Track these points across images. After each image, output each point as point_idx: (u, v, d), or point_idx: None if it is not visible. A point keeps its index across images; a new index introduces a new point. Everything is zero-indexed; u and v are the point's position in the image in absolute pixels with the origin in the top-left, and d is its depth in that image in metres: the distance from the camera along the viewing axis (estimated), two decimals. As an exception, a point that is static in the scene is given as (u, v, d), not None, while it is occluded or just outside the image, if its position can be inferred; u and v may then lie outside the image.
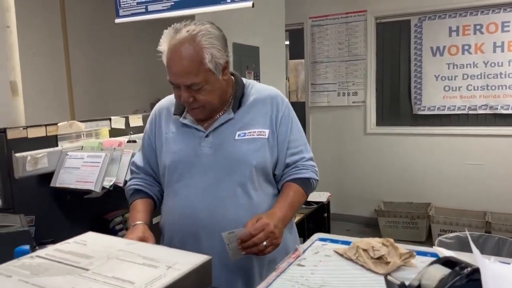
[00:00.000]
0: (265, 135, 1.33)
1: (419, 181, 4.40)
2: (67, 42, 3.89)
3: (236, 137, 1.31)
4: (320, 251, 0.92)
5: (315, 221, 3.53)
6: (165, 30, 1.26)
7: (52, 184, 1.75)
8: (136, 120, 2.18)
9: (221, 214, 1.28)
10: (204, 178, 1.30)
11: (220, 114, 1.35)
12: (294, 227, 1.48)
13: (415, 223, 4.13)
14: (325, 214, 3.58)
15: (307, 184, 1.36)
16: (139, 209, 1.36)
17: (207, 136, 1.32)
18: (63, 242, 1.00)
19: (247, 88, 1.39)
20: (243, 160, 1.30)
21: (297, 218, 3.14)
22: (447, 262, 0.67)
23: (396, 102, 4.51)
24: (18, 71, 1.73)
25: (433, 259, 0.68)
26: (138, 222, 1.29)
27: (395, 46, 4.42)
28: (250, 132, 1.32)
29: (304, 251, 0.92)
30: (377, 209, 4.35)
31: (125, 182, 1.74)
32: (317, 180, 1.40)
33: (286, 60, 3.99)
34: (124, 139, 1.97)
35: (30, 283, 0.78)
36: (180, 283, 0.80)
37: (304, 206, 3.43)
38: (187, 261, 0.87)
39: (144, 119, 2.22)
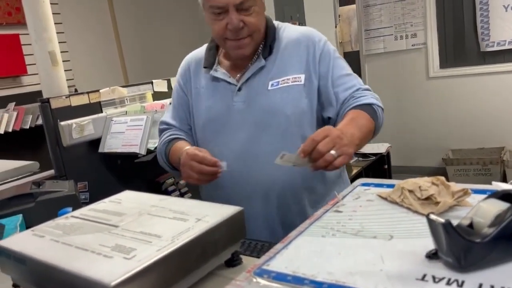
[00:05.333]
0: (301, 81, 1.21)
1: (490, 124, 4.05)
2: (113, 13, 3.93)
3: (269, 87, 1.21)
4: (361, 196, 0.83)
5: (374, 174, 3.36)
6: None
7: (100, 150, 1.78)
8: (178, 82, 2.15)
9: (262, 172, 1.18)
10: (240, 135, 1.21)
11: (251, 63, 1.24)
12: (346, 177, 1.37)
13: (487, 169, 3.84)
14: (385, 166, 3.41)
15: (370, 110, 1.17)
16: (184, 144, 1.25)
17: (239, 89, 1.23)
18: (99, 202, 0.99)
19: (278, 31, 1.27)
20: (278, 112, 1.19)
21: (354, 171, 3.01)
22: (505, 196, 0.56)
23: (461, 40, 4.11)
24: (56, 41, 1.75)
25: (492, 195, 0.57)
26: (187, 147, 1.17)
27: (456, -24, 4.00)
28: (283, 80, 1.21)
29: (343, 197, 0.83)
30: (445, 157, 4.09)
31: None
32: (382, 108, 1.22)
33: (335, 7, 3.74)
34: (167, 101, 1.95)
35: (60, 242, 0.77)
36: (209, 235, 0.76)
37: (361, 158, 3.29)
38: (217, 213, 0.82)
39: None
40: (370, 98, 1.20)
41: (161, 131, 1.38)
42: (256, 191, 1.21)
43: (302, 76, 1.21)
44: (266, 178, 1.19)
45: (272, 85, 1.21)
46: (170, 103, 1.44)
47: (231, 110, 1.23)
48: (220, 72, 1.26)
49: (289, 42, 1.24)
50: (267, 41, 1.24)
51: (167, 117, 1.38)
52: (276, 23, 1.29)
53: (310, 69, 1.22)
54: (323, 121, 1.25)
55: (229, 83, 1.24)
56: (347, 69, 1.27)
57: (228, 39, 1.18)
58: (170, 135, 1.32)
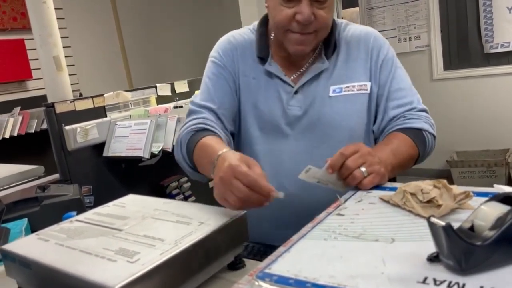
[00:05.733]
0: (367, 90, 1.07)
1: (495, 126, 4.03)
2: (117, 17, 3.96)
3: (331, 94, 1.06)
4: (363, 199, 0.83)
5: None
6: None
7: (104, 154, 1.79)
8: (181, 86, 2.16)
9: (309, 193, 1.01)
10: (293, 145, 1.07)
11: (309, 63, 1.10)
12: None
13: (492, 171, 3.82)
14: (390, 168, 3.40)
15: (417, 136, 1.04)
16: (215, 142, 0.96)
17: (296, 92, 1.08)
18: (103, 206, 1.00)
19: (339, 29, 1.12)
20: (341, 124, 1.05)
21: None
22: (506, 198, 0.56)
23: (465, 42, 4.10)
24: (60, 46, 1.77)
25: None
26: (224, 150, 0.86)
27: (459, -22, 4.00)
28: (347, 87, 1.07)
29: (345, 201, 0.83)
30: (449, 160, 4.08)
31: (173, 147, 1.74)
32: (434, 136, 1.07)
33: (338, 9, 3.75)
34: (170, 105, 1.96)
35: (65, 245, 0.78)
36: (212, 238, 0.76)
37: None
38: (219, 216, 0.82)
39: (190, 84, 2.20)
40: (421, 122, 1.06)
41: (190, 113, 1.13)
42: (298, 214, 0.94)
43: (368, 84, 1.08)
44: (315, 200, 0.93)
45: (334, 91, 1.07)
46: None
47: (286, 114, 1.08)
48: (274, 66, 1.10)
49: (354, 43, 1.11)
50: (331, 40, 1.09)
51: (202, 98, 1.12)
52: (336, 20, 1.14)
53: (372, 75, 1.09)
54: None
55: (284, 81, 1.09)
56: (407, 81, 1.12)
57: (290, 31, 1.02)
58: (200, 123, 1.06)
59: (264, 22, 1.15)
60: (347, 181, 0.87)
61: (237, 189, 0.76)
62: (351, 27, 1.14)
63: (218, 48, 1.16)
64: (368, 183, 0.86)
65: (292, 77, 1.10)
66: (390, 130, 1.07)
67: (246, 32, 1.17)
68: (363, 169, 0.86)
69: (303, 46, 1.04)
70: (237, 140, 1.15)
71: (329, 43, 1.09)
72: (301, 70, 1.11)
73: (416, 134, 1.04)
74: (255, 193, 0.75)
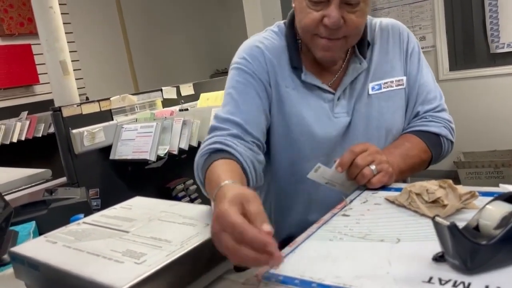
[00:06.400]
0: (403, 85, 1.04)
1: (503, 126, 4.01)
2: (123, 21, 3.99)
3: (371, 92, 1.02)
4: (369, 200, 0.83)
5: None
6: None
7: (111, 157, 1.81)
8: (187, 89, 2.17)
9: None
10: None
11: (342, 65, 1.04)
12: None
13: (500, 172, 3.79)
14: (397, 169, 3.39)
15: (433, 141, 1.02)
16: (222, 170, 0.83)
17: (338, 98, 1.02)
18: (110, 208, 1.01)
19: (369, 24, 1.06)
20: (386, 123, 1.01)
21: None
22: (511, 198, 0.56)
23: (470, 42, 4.09)
24: (67, 51, 1.79)
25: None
26: (225, 182, 0.73)
27: (464, -22, 3.98)
28: (386, 83, 1.02)
29: (351, 201, 0.84)
30: (456, 160, 4.05)
31: (179, 149, 1.75)
32: (451, 141, 1.06)
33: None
34: (176, 108, 1.98)
35: (72, 247, 0.79)
36: (217, 240, 0.76)
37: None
38: (225, 218, 0.82)
39: (195, 87, 2.20)
40: (440, 127, 1.04)
41: (211, 130, 0.99)
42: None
43: (404, 79, 1.04)
44: None
45: (373, 88, 1.02)
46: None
47: (333, 123, 1.01)
48: (309, 75, 1.02)
49: (384, 37, 1.06)
50: (364, 37, 1.03)
51: (226, 111, 0.99)
52: None
53: (403, 68, 1.05)
54: None
55: (323, 89, 1.02)
56: (431, 75, 1.09)
57: (318, 36, 0.96)
58: (215, 141, 0.92)
59: (291, 23, 1.05)
60: (356, 179, 0.86)
61: (225, 244, 0.60)
62: (376, 20, 1.09)
63: (244, 53, 1.04)
64: (377, 182, 0.85)
65: (329, 83, 1.03)
66: (409, 130, 1.05)
67: (273, 36, 1.07)
68: (372, 167, 0.85)
69: (330, 53, 0.97)
70: (274, 151, 1.04)
71: (362, 41, 1.02)
72: (337, 74, 1.04)
73: (433, 138, 1.02)
74: (246, 248, 0.55)
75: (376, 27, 1.07)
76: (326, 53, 0.97)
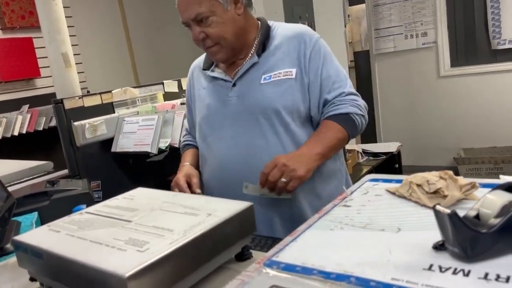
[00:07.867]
0: (291, 75, 1.24)
1: (503, 123, 4.01)
2: (124, 15, 3.98)
3: (262, 81, 1.25)
4: (370, 191, 0.83)
5: (385, 174, 3.34)
6: None
7: (112, 150, 1.81)
8: (189, 82, 2.17)
9: (254, 164, 1.21)
10: (234, 128, 1.27)
11: (246, 60, 1.30)
12: (338, 177, 1.34)
13: (500, 168, 3.80)
14: (396, 166, 3.40)
15: (346, 120, 1.23)
16: (187, 155, 1.42)
17: (234, 85, 1.29)
18: (112, 198, 1.01)
19: (272, 30, 1.32)
20: (269, 104, 1.23)
21: (364, 170, 3.00)
22: (511, 187, 0.56)
23: (472, 38, 4.08)
24: (69, 43, 1.79)
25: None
26: (185, 163, 1.36)
27: (466, -26, 3.97)
28: (275, 74, 1.25)
29: (352, 193, 0.84)
30: (456, 157, 4.06)
31: (180, 142, 1.76)
32: (362, 115, 1.26)
33: (344, 6, 3.74)
34: (178, 101, 1.98)
35: (75, 236, 0.80)
36: (219, 229, 0.77)
37: (371, 157, 3.28)
38: (227, 208, 0.83)
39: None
40: (348, 106, 1.23)
41: (185, 134, 1.55)
42: (249, 182, 1.23)
43: (294, 70, 1.24)
44: (259, 170, 1.17)
45: (264, 79, 1.25)
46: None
47: (226, 104, 1.28)
48: (216, 71, 1.33)
49: (283, 40, 1.28)
50: (261, 40, 1.29)
51: (186, 122, 1.54)
52: (270, 22, 1.34)
53: (301, 65, 1.25)
54: (311, 118, 1.29)
55: (225, 80, 1.31)
56: (337, 69, 1.29)
57: (203, 47, 1.27)
58: (184, 140, 1.51)
59: None
60: (276, 191, 1.11)
61: (173, 189, 1.29)
62: (283, 26, 1.33)
63: (187, 77, 1.47)
64: (291, 188, 1.11)
65: (232, 75, 1.30)
66: (323, 117, 1.25)
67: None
68: (283, 179, 1.09)
69: (215, 56, 1.27)
70: (198, 138, 1.40)
71: (259, 42, 1.28)
72: (238, 68, 1.30)
73: (344, 118, 1.22)
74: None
75: (278, 31, 1.30)
76: (213, 57, 1.29)
